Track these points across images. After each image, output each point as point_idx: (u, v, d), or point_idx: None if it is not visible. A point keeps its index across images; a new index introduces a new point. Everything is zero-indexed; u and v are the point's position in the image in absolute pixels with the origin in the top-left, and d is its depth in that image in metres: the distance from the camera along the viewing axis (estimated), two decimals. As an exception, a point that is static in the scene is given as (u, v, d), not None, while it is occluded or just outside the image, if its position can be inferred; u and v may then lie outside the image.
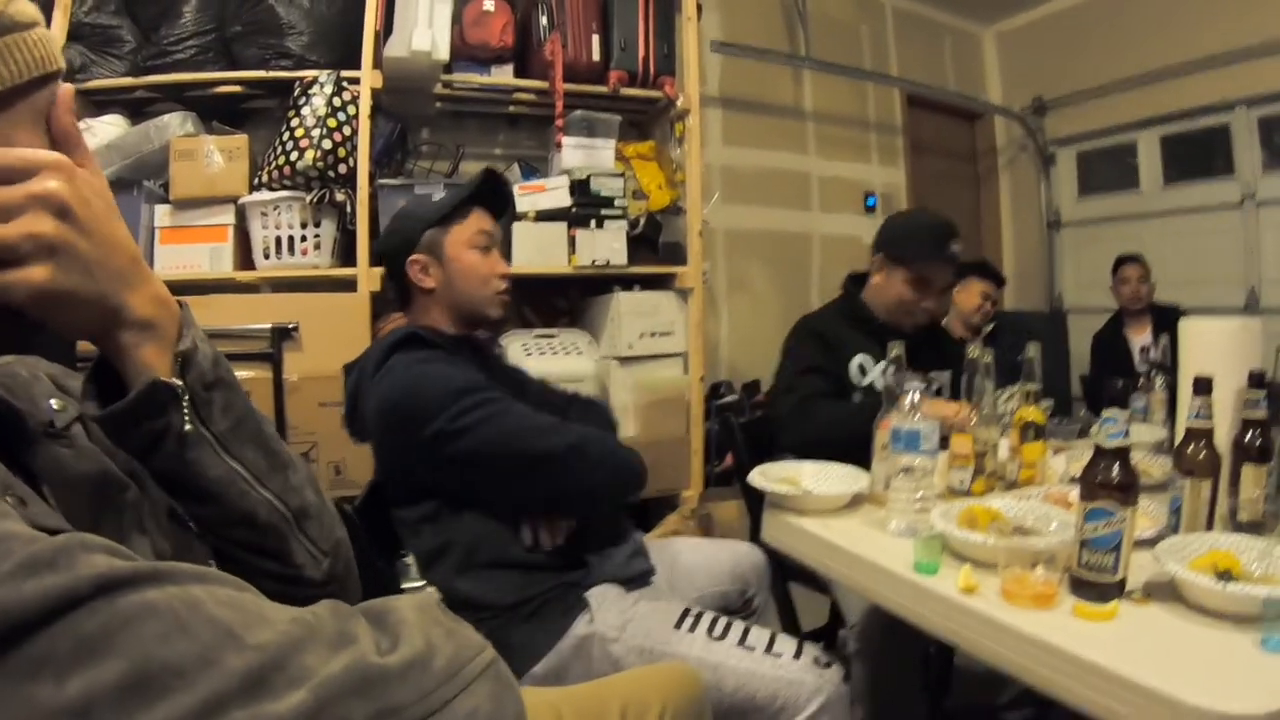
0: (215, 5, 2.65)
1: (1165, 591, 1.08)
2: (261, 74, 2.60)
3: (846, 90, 4.19)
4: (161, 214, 2.56)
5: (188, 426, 0.60)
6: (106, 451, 0.64)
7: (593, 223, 2.68)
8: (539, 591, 1.38)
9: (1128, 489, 1.06)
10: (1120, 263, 3.87)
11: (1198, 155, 4.30)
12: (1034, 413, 1.57)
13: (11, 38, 0.55)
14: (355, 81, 2.56)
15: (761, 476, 1.57)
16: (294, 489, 0.67)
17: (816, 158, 4.05)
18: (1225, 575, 1.03)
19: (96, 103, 2.61)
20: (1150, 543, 1.16)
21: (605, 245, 2.69)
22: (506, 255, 2.59)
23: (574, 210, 2.67)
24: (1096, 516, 1.06)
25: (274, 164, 2.53)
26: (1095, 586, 1.06)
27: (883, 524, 1.38)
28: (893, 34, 4.52)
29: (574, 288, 2.93)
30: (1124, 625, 1.02)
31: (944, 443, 1.52)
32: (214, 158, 2.57)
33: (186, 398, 0.60)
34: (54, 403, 0.64)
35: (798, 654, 1.32)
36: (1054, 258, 5.02)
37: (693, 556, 1.65)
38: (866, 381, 1.93)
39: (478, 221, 1.51)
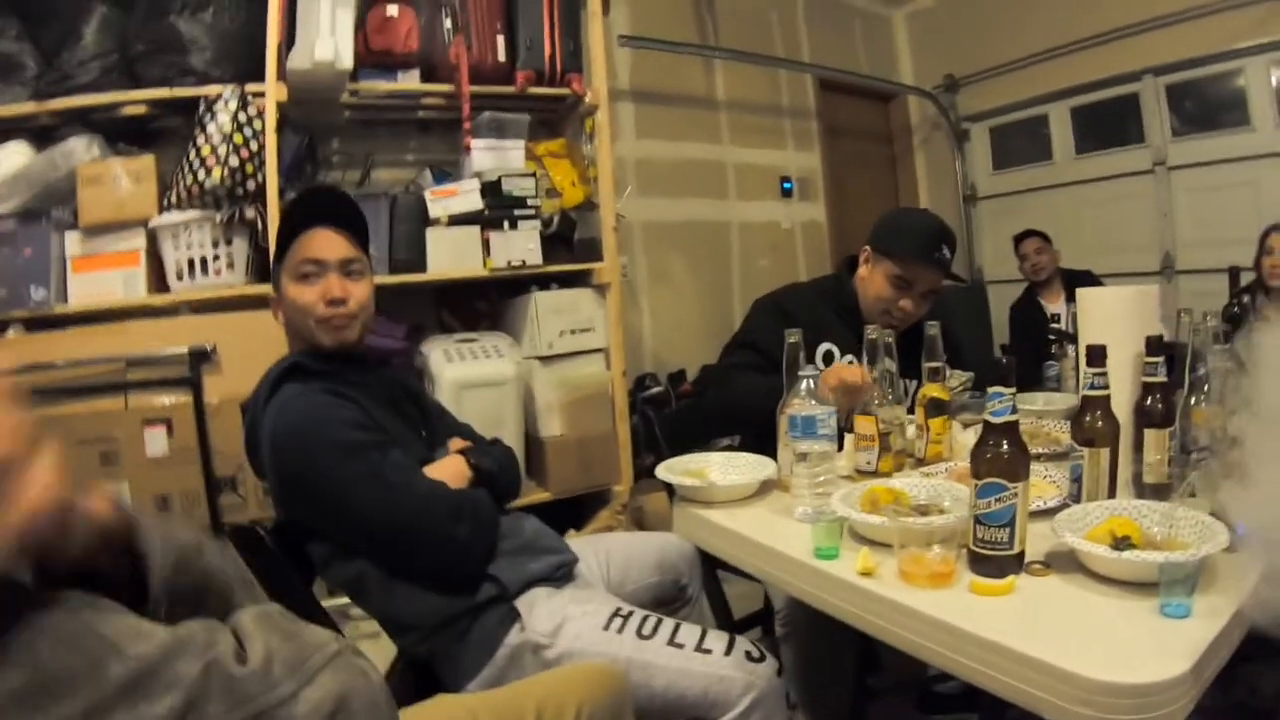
0: (117, 25, 2.60)
1: (1067, 562, 1.09)
2: (165, 92, 2.56)
3: (759, 78, 4.25)
4: (72, 242, 2.51)
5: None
6: None
7: (506, 224, 2.69)
8: (465, 608, 1.38)
9: (1017, 463, 1.07)
10: (1019, 239, 4.01)
11: (1109, 124, 4.46)
12: (936, 389, 1.60)
13: None
14: (260, 95, 2.53)
15: (668, 470, 1.59)
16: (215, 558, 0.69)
17: (731, 146, 4.10)
18: (1124, 543, 1.05)
19: (0, 131, 2.56)
20: (1053, 513, 1.17)
21: (519, 246, 2.70)
22: (421, 262, 2.63)
23: (486, 213, 2.67)
24: (988, 492, 1.07)
25: (182, 184, 2.50)
26: (992, 561, 1.07)
27: (789, 511, 1.41)
28: (803, 19, 4.59)
29: (492, 290, 2.94)
30: (1023, 600, 1.03)
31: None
32: (121, 181, 2.53)
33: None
34: None
35: (729, 649, 1.32)
36: (971, 232, 5.17)
37: (623, 551, 1.65)
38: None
39: (299, 249, 1.43)
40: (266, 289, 2.46)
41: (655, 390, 3.14)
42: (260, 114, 2.53)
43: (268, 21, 2.54)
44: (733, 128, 4.12)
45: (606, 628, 1.34)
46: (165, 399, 2.37)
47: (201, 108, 2.52)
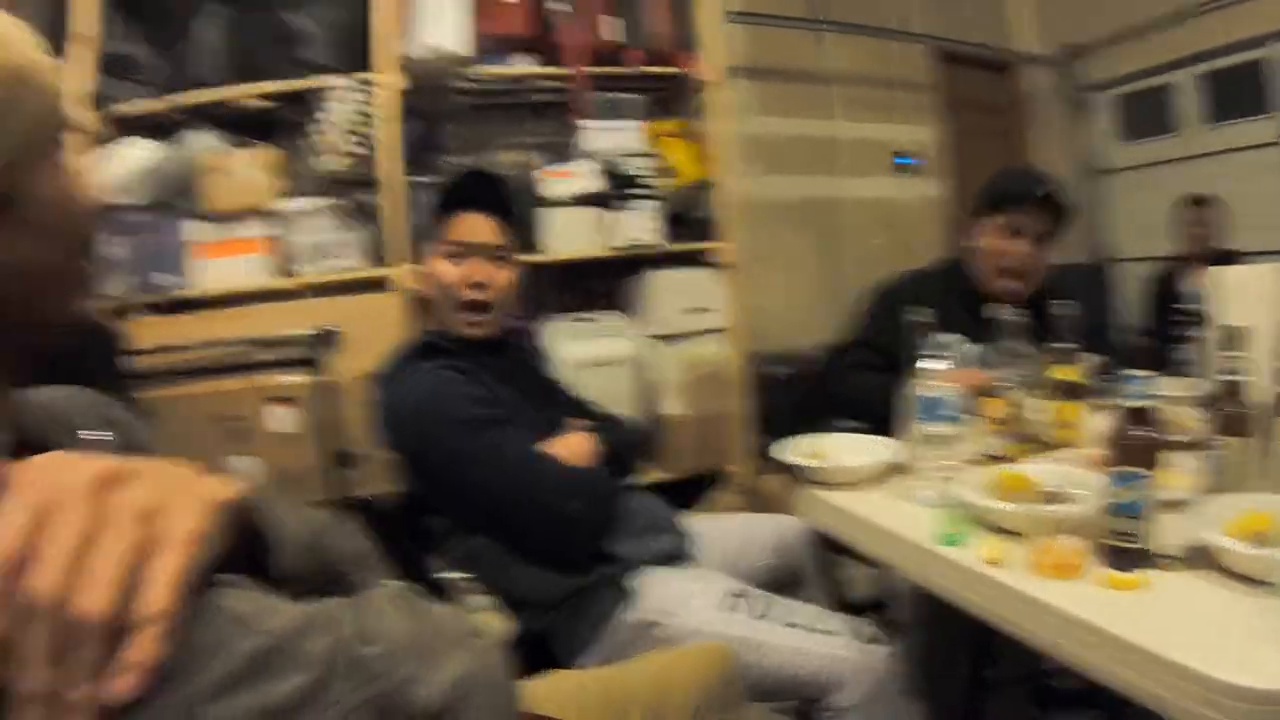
0: (230, 22, 2.68)
1: (1200, 557, 1.03)
2: (282, 84, 2.62)
3: (870, 50, 4.11)
4: (198, 230, 2.61)
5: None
6: None
7: (623, 204, 2.67)
8: (581, 585, 1.38)
9: (1153, 451, 1.01)
10: (1190, 203, 3.69)
11: (1238, 93, 4.12)
12: (1068, 372, 1.52)
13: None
14: (374, 84, 2.57)
15: (788, 450, 1.54)
16: (350, 540, 0.70)
17: (843, 121, 3.99)
18: (1260, 538, 0.99)
19: (125, 128, 2.65)
20: (1185, 504, 1.11)
21: (638, 225, 2.68)
22: (533, 243, 2.64)
23: (603, 193, 2.66)
24: (1122, 481, 1.01)
25: (303, 172, 2.58)
26: (1124, 554, 1.02)
27: (912, 495, 1.36)
28: (914, -12, 4.41)
29: (610, 270, 2.92)
30: (1154, 595, 0.98)
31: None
32: (242, 171, 2.62)
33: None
34: (86, 434, 0.67)
35: (843, 630, 1.34)
36: (1100, 207, 4.88)
37: (740, 531, 1.64)
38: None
39: (450, 229, 1.49)
40: (386, 273, 2.57)
41: (775, 370, 3.06)
42: (377, 102, 2.56)
43: (379, 11, 2.57)
44: (845, 102, 4.00)
45: (721, 607, 1.35)
46: (289, 378, 2.45)
47: (318, 98, 2.57)
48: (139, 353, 2.40)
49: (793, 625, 1.33)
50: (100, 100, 2.58)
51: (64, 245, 0.58)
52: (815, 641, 1.31)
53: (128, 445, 0.69)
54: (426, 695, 0.51)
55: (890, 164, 4.13)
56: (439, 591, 1.39)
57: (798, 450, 1.55)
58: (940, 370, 1.36)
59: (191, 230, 2.61)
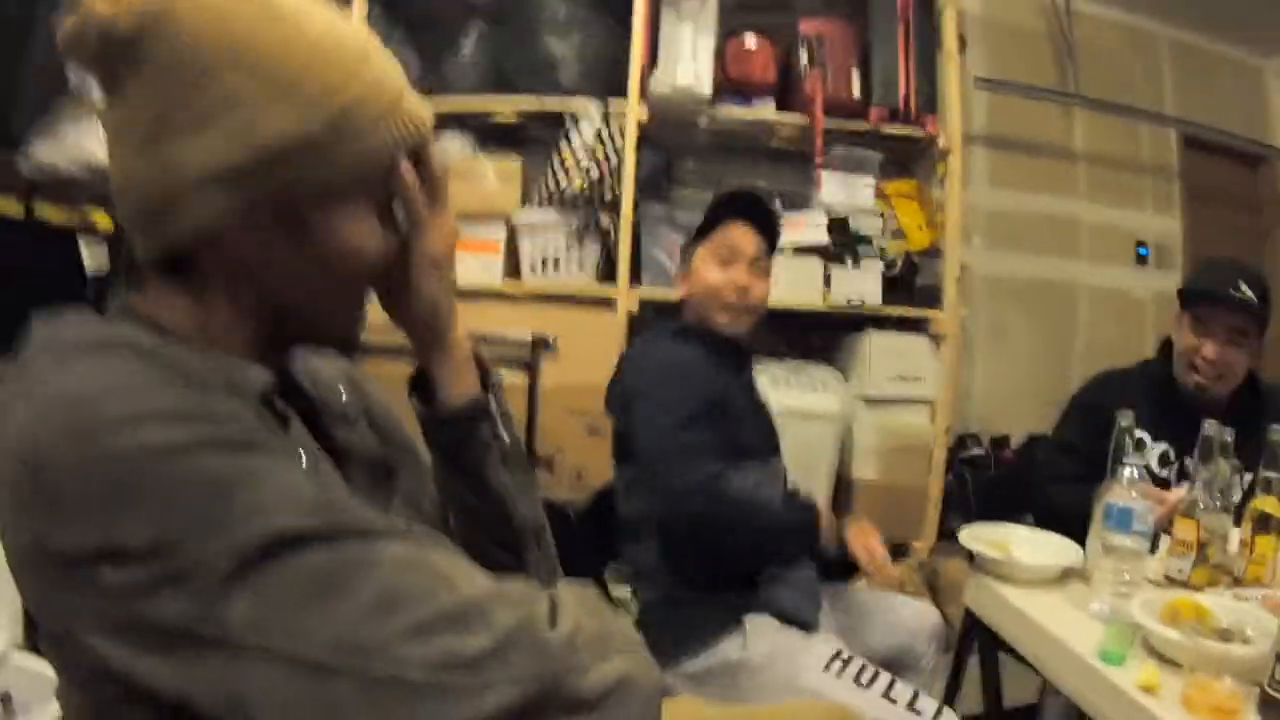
0: (493, 40, 2.89)
1: None
2: (534, 102, 2.79)
3: (1117, 130, 3.89)
4: None
5: (496, 437, 0.77)
6: (381, 441, 0.80)
7: (849, 259, 2.67)
8: (702, 592, 1.46)
9: None
10: None
11: None
12: (1271, 503, 1.39)
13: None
14: (621, 113, 2.69)
15: (972, 536, 1.53)
16: (536, 507, 0.81)
17: (1086, 202, 3.78)
18: None
19: None
20: None
21: (860, 283, 2.67)
22: None
23: (830, 247, 2.67)
24: None
25: (544, 187, 2.73)
26: None
27: (1084, 603, 1.32)
28: (1168, 68, 4.15)
29: (829, 324, 2.92)
30: None
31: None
32: (489, 178, 2.80)
33: (495, 415, 0.76)
34: (344, 396, 0.78)
35: (938, 715, 1.33)
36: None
37: (874, 608, 1.65)
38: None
39: (722, 235, 1.56)
40: (610, 291, 2.67)
41: (976, 452, 2.95)
42: (621, 130, 2.69)
43: (632, 45, 2.69)
44: (1089, 182, 3.80)
45: (826, 669, 1.37)
46: (504, 377, 2.56)
47: (566, 120, 2.72)
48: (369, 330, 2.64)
49: (891, 700, 1.33)
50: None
51: (325, 285, 0.66)
52: (907, 718, 1.32)
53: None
54: (589, 686, 0.55)
55: (1132, 253, 3.89)
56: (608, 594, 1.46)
57: (981, 538, 1.53)
58: (1136, 481, 1.32)
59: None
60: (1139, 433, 1.75)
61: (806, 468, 2.54)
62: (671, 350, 1.54)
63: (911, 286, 2.78)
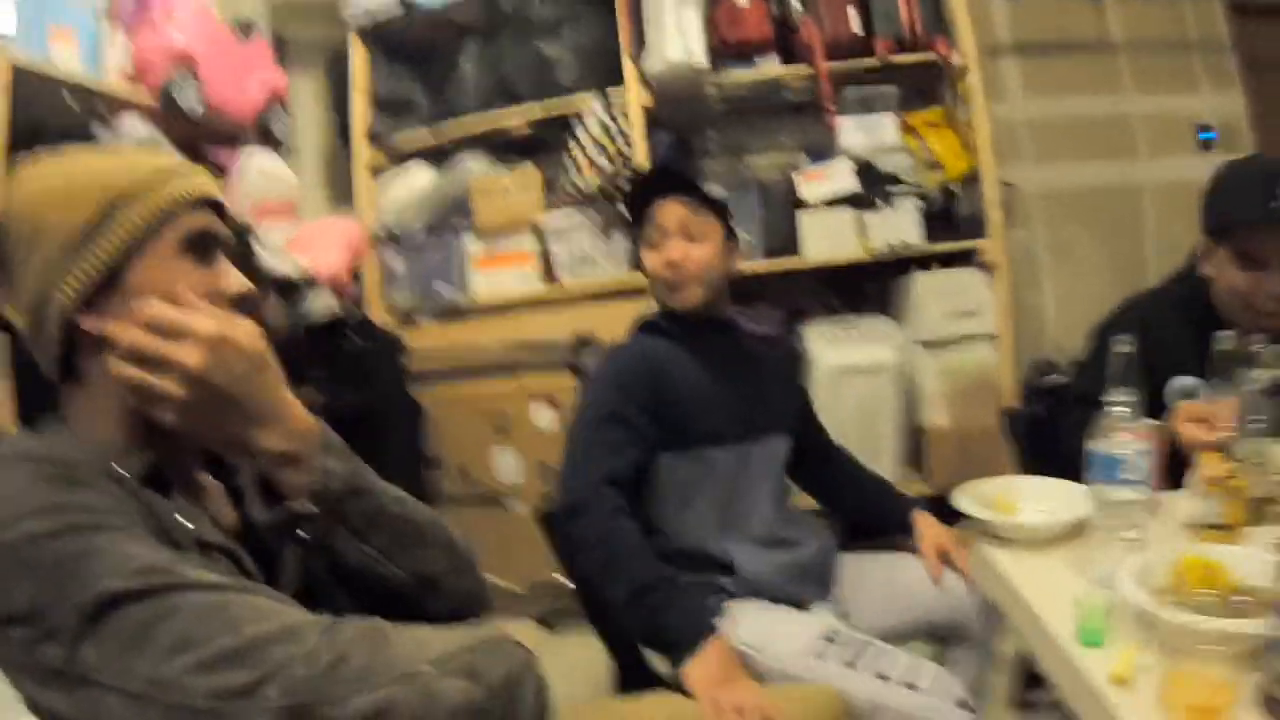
0: (489, 54, 2.92)
1: None
2: (539, 108, 2.81)
3: (1155, 9, 3.62)
4: (472, 245, 2.89)
5: (316, 535, 0.78)
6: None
7: (882, 203, 2.57)
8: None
9: None
10: None
11: None
12: None
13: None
14: (624, 100, 2.68)
15: (967, 497, 1.31)
16: (426, 559, 0.84)
17: (1134, 93, 3.53)
18: None
19: (403, 159, 3.00)
20: None
21: (897, 226, 2.56)
22: (793, 246, 2.63)
23: (860, 193, 2.57)
24: None
25: (563, 188, 2.75)
26: None
27: (1088, 567, 1.10)
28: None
29: (876, 273, 2.80)
30: None
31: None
32: (510, 191, 2.84)
33: (317, 511, 0.77)
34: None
35: (935, 688, 1.27)
36: None
37: (906, 574, 1.54)
38: None
39: (646, 221, 1.55)
40: (642, 279, 2.63)
41: (1055, 380, 2.79)
42: (625, 116, 2.67)
43: (622, 31, 2.67)
44: (1134, 72, 3.54)
45: (808, 650, 1.34)
46: (551, 379, 2.64)
47: (571, 120, 2.72)
48: (420, 357, 2.78)
49: (882, 677, 1.28)
50: (377, 137, 3.00)
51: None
52: (897, 697, 1.26)
53: None
54: (346, 716, 0.62)
55: (1194, 139, 3.62)
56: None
57: (981, 496, 1.31)
58: (1128, 421, 1.10)
59: (467, 245, 2.89)
60: (1190, 380, 1.43)
61: (869, 424, 2.48)
62: (622, 350, 1.57)
63: (953, 218, 2.65)
